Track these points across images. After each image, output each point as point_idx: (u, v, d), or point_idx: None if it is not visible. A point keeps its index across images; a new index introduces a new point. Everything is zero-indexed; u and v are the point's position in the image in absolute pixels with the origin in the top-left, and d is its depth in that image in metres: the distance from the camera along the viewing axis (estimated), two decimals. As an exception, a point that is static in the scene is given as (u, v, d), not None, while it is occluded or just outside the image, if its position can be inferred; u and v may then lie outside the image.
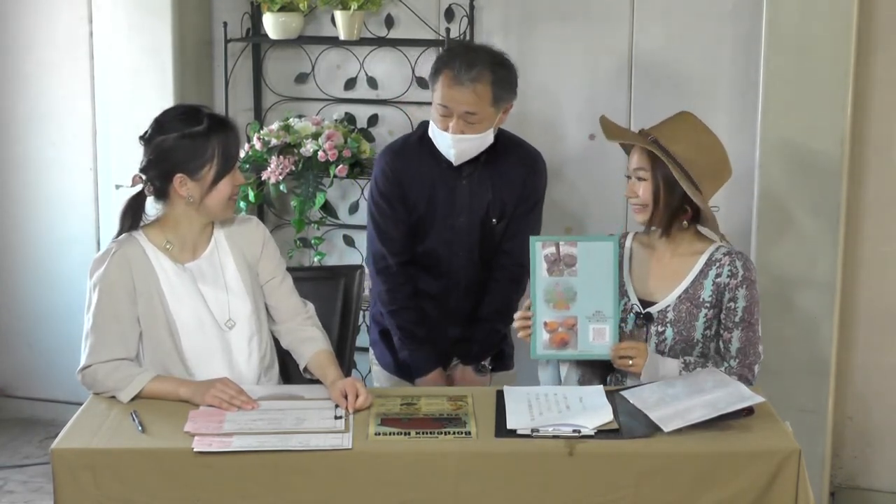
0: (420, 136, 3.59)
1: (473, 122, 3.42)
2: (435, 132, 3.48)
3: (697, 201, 3.07)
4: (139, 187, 3.08)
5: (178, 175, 3.00)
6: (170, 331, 3.05)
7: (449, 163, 3.51)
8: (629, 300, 3.18)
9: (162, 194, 3.05)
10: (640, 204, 3.14)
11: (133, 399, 2.93)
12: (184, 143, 3.00)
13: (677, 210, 3.11)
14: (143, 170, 3.05)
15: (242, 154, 4.06)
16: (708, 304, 3.12)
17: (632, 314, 3.16)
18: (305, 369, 3.15)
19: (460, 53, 3.46)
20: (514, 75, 3.49)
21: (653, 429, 2.75)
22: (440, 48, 4.21)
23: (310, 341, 3.17)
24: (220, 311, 3.09)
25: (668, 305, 3.14)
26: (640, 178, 3.12)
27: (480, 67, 3.38)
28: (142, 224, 3.11)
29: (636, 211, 3.16)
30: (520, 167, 3.58)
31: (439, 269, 3.60)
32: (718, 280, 3.11)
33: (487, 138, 3.48)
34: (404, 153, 3.58)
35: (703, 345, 3.12)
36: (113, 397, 2.96)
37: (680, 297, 3.13)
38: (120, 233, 3.09)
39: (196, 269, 3.09)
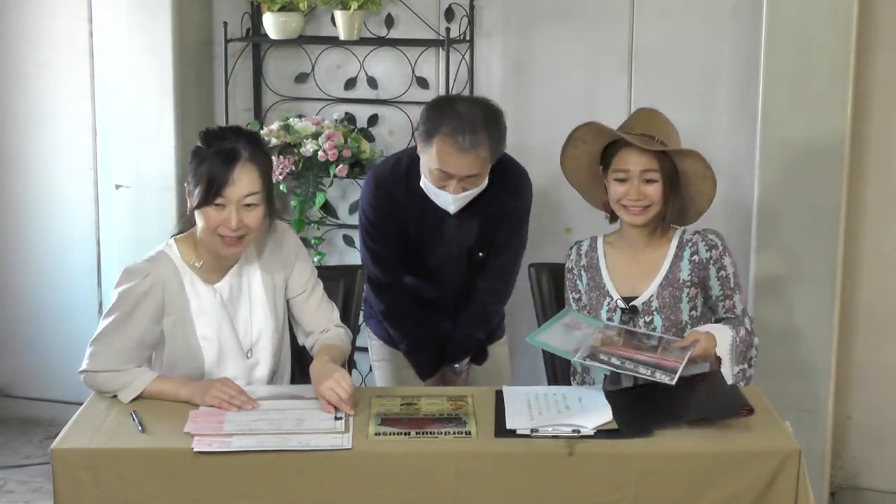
0: (408, 165, 3.49)
1: (475, 180, 3.36)
2: (430, 188, 3.39)
3: (710, 182, 3.15)
4: None
5: (187, 183, 3.02)
6: (192, 354, 3.05)
7: None
8: (612, 299, 3.20)
9: None
10: (646, 204, 3.14)
11: (134, 399, 2.94)
12: (193, 154, 3.00)
13: (675, 203, 3.17)
14: None
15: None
16: (689, 284, 3.17)
17: (617, 311, 3.17)
18: None
19: (452, 116, 3.30)
20: (505, 126, 3.39)
21: (649, 425, 2.76)
22: (440, 48, 4.21)
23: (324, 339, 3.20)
24: (245, 334, 3.10)
25: (651, 295, 3.18)
26: (650, 181, 3.13)
27: (480, 132, 3.26)
28: (178, 235, 3.11)
29: (638, 213, 3.16)
30: (505, 193, 3.51)
31: (431, 281, 3.60)
32: (695, 258, 3.18)
33: (483, 185, 3.41)
34: (392, 183, 3.50)
35: (691, 326, 3.15)
36: (114, 396, 2.96)
37: (661, 284, 3.18)
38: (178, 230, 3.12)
39: (225, 290, 3.09)
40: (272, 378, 3.15)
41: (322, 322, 3.22)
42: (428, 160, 3.33)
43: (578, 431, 2.74)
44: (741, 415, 2.79)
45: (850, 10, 3.79)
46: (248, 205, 2.95)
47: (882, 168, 4.03)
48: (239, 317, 3.10)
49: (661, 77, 4.18)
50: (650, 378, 2.88)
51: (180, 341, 3.04)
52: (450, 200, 3.37)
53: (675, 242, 3.22)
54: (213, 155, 2.94)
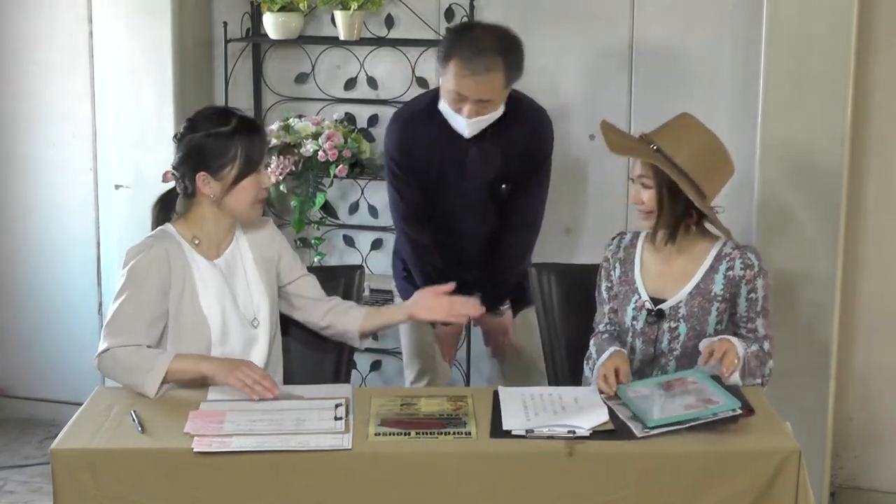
0: (428, 104, 3.59)
1: (487, 106, 3.45)
2: (447, 111, 3.50)
3: (702, 207, 3.08)
4: (171, 183, 3.16)
5: (202, 173, 3.06)
6: (198, 326, 3.08)
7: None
8: (640, 297, 3.19)
9: (189, 191, 3.11)
10: (646, 210, 3.14)
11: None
12: (209, 142, 3.06)
13: (682, 216, 3.13)
14: (174, 166, 3.12)
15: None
16: (720, 298, 3.14)
17: (643, 311, 3.17)
18: (362, 333, 3.27)
19: (469, 39, 3.41)
20: (522, 53, 3.49)
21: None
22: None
23: (353, 308, 3.29)
24: (247, 308, 3.16)
25: (680, 301, 3.15)
26: (644, 186, 3.12)
27: (492, 56, 3.37)
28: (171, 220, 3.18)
29: (642, 218, 3.16)
30: (526, 129, 3.60)
31: (453, 225, 3.66)
32: (731, 273, 3.14)
33: (499, 112, 3.51)
34: (413, 123, 3.61)
35: None
36: (124, 388, 2.97)
37: (691, 292, 3.15)
38: (154, 226, 3.18)
39: (224, 266, 3.16)
40: (268, 359, 3.18)
41: (324, 294, 3.32)
42: (445, 81, 3.45)
43: (574, 432, 2.74)
44: (741, 415, 2.78)
45: (850, 10, 3.79)
46: (266, 165, 3.14)
47: (882, 168, 4.03)
48: (238, 290, 3.15)
49: (661, 77, 4.18)
50: (718, 418, 2.78)
51: (186, 314, 3.08)
52: (464, 124, 3.46)
53: (713, 253, 3.17)
54: (240, 130, 3.08)
